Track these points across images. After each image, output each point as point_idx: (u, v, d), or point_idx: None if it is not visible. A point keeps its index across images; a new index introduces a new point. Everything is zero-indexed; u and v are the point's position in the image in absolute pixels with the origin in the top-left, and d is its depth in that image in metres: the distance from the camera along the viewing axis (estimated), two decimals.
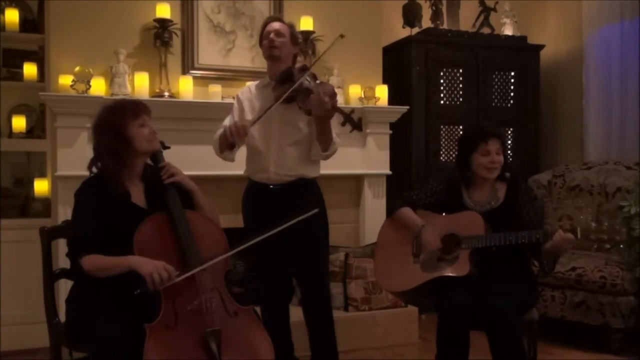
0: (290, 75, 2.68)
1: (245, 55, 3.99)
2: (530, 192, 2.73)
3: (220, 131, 2.78)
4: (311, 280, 2.81)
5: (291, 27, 2.83)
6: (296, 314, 3.15)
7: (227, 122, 2.85)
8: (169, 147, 2.41)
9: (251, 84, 2.94)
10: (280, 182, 2.72)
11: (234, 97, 3.80)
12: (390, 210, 2.81)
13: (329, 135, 2.64)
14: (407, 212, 2.73)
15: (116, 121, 2.21)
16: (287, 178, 2.72)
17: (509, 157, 4.76)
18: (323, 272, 2.88)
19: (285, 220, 2.26)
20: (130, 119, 2.22)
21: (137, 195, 2.27)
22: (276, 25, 2.78)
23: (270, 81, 2.79)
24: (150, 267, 1.99)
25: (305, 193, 2.75)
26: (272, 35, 2.73)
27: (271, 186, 2.72)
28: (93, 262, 2.09)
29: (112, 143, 2.19)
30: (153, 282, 1.97)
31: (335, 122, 2.74)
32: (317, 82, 2.69)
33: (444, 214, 2.72)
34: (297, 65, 2.85)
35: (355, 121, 2.53)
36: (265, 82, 2.83)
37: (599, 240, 2.33)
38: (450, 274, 2.51)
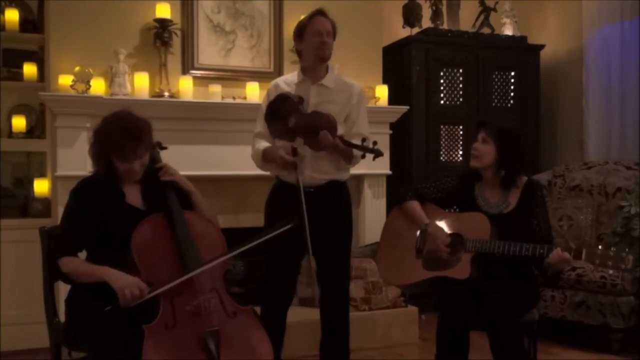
0: (276, 110, 2.63)
1: (245, 55, 3.99)
2: (544, 203, 2.65)
3: (260, 144, 2.72)
4: (333, 280, 2.77)
5: (334, 25, 2.77)
6: (298, 314, 3.16)
7: (259, 127, 2.78)
8: (166, 148, 2.40)
9: (282, 80, 2.84)
10: (315, 185, 2.67)
11: (234, 97, 3.83)
12: (399, 200, 2.77)
13: (350, 154, 2.65)
14: (414, 206, 2.71)
15: (107, 152, 2.19)
16: (321, 182, 2.69)
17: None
18: (346, 272, 2.84)
19: (272, 230, 2.24)
20: (116, 157, 2.18)
21: (134, 196, 2.27)
22: (327, 24, 2.71)
23: (304, 78, 2.74)
24: (123, 282, 1.98)
25: (337, 194, 2.75)
26: (325, 36, 2.67)
27: (310, 189, 2.63)
28: (70, 265, 2.12)
29: (98, 162, 2.23)
30: (125, 298, 1.95)
31: (364, 122, 2.79)
32: (309, 112, 2.63)
33: (452, 210, 2.72)
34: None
35: (373, 149, 2.50)
36: (299, 78, 2.75)
37: (604, 265, 2.31)
38: (451, 275, 2.51)
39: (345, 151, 2.60)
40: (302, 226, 2.49)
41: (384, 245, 2.81)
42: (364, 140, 2.52)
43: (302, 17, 3.90)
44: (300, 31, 2.74)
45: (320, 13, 2.74)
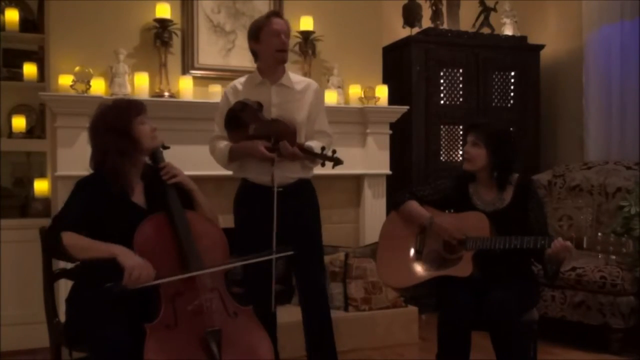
0: (236, 117, 2.65)
1: (245, 55, 3.94)
2: (539, 197, 2.69)
3: (222, 144, 2.75)
4: (309, 278, 2.81)
5: (289, 26, 2.78)
6: (297, 314, 3.15)
7: (217, 130, 2.81)
8: (168, 147, 2.41)
9: (239, 82, 2.85)
10: (283, 184, 2.71)
11: None
12: (396, 203, 2.79)
13: (310, 157, 2.69)
14: (414, 205, 2.72)
15: (121, 121, 2.21)
16: (290, 180, 2.73)
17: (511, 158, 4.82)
18: (321, 271, 2.89)
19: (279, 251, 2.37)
20: (133, 117, 2.23)
21: (137, 194, 2.27)
22: (285, 25, 2.70)
23: (263, 79, 2.75)
24: (135, 261, 1.97)
25: (305, 192, 2.81)
26: (283, 37, 2.67)
27: (279, 188, 2.67)
28: (74, 238, 2.06)
29: (121, 143, 2.19)
30: (130, 278, 1.94)
31: (324, 118, 2.84)
32: (269, 119, 2.66)
33: (448, 211, 2.72)
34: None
35: (332, 157, 2.56)
36: (258, 80, 2.76)
37: (605, 251, 2.32)
38: (452, 274, 2.51)
39: (306, 157, 2.66)
40: (271, 224, 2.59)
41: (382, 249, 2.81)
42: (323, 148, 2.59)
43: (302, 17, 3.96)
44: (257, 32, 2.71)
45: (275, 14, 2.74)
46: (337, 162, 2.57)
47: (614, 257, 2.31)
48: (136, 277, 1.95)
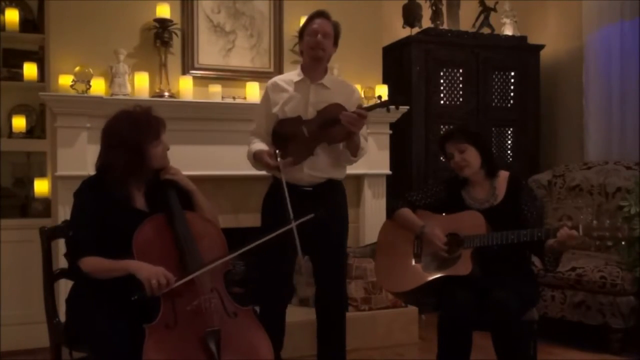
0: (282, 134, 2.69)
1: (245, 55, 3.99)
2: (531, 192, 2.73)
3: (256, 146, 2.76)
4: (329, 279, 2.81)
5: (336, 27, 2.81)
6: (297, 314, 3.16)
7: (254, 125, 2.83)
8: (167, 148, 2.41)
9: (279, 79, 2.86)
10: (312, 183, 2.72)
11: (234, 98, 3.82)
12: (390, 211, 2.81)
13: (358, 142, 2.70)
14: (407, 212, 2.73)
15: (137, 139, 2.19)
16: (318, 180, 2.73)
17: (508, 156, 4.84)
18: (343, 271, 2.89)
19: (283, 225, 2.32)
20: (150, 140, 2.22)
21: (138, 198, 2.27)
22: (325, 25, 2.75)
23: (304, 77, 2.78)
24: (149, 272, 1.98)
25: (334, 193, 2.81)
26: (319, 36, 2.71)
27: (306, 188, 2.71)
28: (92, 264, 2.09)
29: (129, 157, 2.18)
30: (151, 288, 1.96)
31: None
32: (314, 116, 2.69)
33: (444, 214, 2.72)
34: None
35: (394, 99, 2.62)
36: (300, 77, 2.79)
37: (601, 237, 2.33)
38: (453, 274, 2.51)
39: (357, 136, 2.68)
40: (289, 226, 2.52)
41: (380, 256, 2.81)
42: (380, 97, 2.69)
43: (302, 17, 3.94)
44: (301, 31, 2.81)
45: (319, 15, 2.79)
46: (399, 102, 2.62)
47: (610, 243, 2.32)
48: (156, 286, 1.96)
